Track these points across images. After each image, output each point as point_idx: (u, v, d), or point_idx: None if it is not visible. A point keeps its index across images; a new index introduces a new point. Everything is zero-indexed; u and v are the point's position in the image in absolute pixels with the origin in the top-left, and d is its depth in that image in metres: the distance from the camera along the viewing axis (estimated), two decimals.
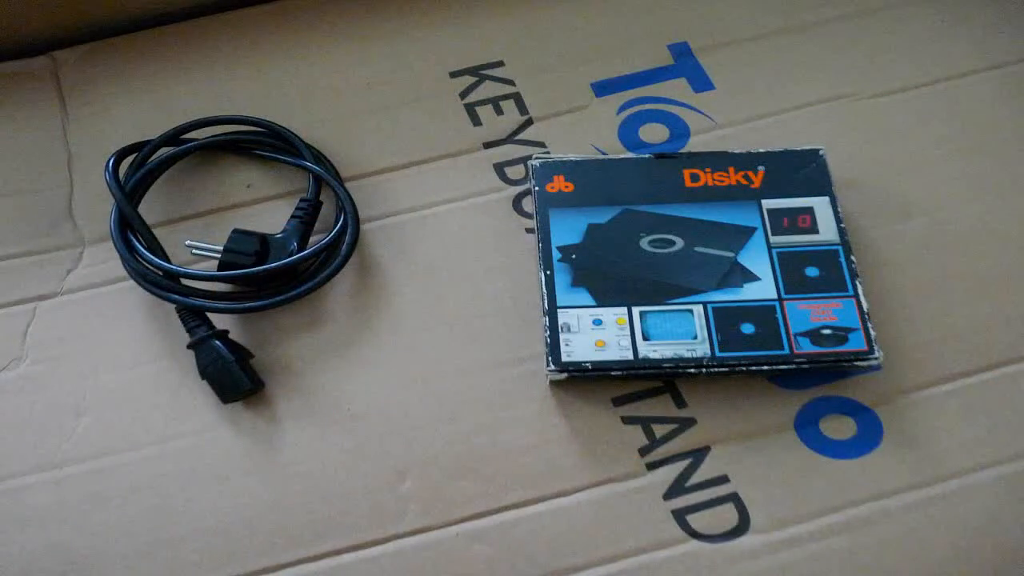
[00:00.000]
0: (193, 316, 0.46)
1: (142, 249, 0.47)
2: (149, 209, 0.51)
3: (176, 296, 0.46)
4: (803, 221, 0.48)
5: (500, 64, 0.56)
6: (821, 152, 0.49)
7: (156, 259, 0.47)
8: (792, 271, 0.46)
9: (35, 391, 0.46)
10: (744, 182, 0.49)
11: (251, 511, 0.43)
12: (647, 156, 0.50)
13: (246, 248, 0.47)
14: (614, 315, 0.45)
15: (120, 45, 0.57)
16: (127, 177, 0.50)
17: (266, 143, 0.52)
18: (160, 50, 0.57)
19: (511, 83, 0.55)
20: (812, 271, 0.46)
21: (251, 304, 0.46)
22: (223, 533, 0.43)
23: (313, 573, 0.42)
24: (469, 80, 0.55)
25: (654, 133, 0.53)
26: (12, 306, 0.49)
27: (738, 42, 0.56)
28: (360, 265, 0.50)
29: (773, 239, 0.47)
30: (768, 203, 0.48)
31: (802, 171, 0.49)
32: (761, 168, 0.49)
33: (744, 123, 0.53)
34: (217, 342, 0.45)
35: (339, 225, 0.48)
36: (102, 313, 0.48)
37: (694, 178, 0.49)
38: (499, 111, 0.54)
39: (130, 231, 0.48)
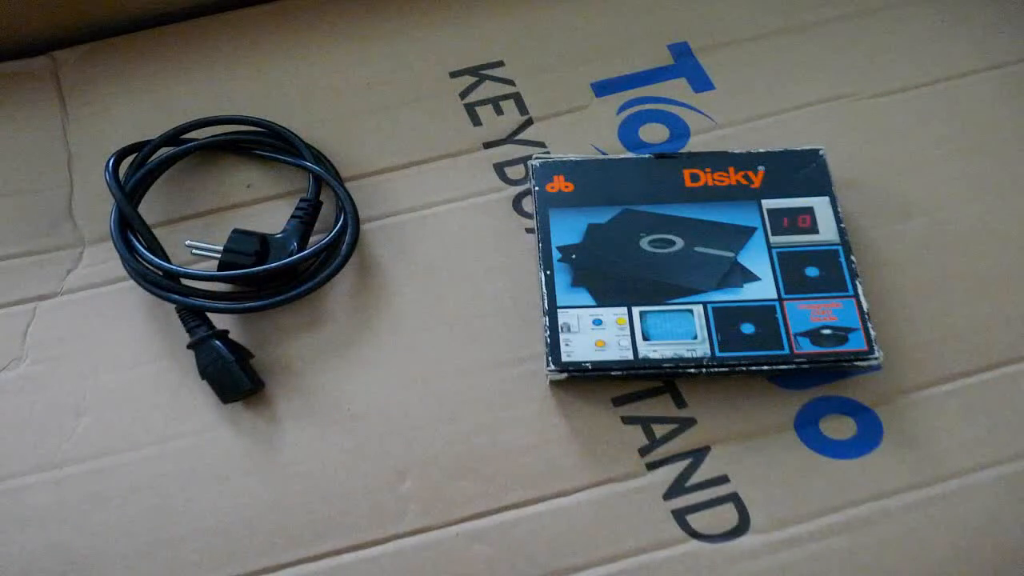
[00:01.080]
0: (193, 316, 0.46)
1: (142, 249, 0.47)
2: (149, 209, 0.51)
3: (176, 296, 0.46)
4: (803, 221, 0.48)
5: (500, 64, 0.56)
6: (821, 152, 0.49)
7: (156, 259, 0.47)
8: (792, 271, 0.46)
9: (35, 391, 0.46)
10: (744, 182, 0.49)
11: (251, 511, 0.43)
12: (647, 156, 0.50)
13: (246, 248, 0.47)
14: (614, 315, 0.45)
15: (120, 45, 0.57)
16: (127, 177, 0.50)
17: (266, 143, 0.52)
18: (160, 50, 0.57)
19: (511, 83, 0.55)
20: (812, 271, 0.46)
21: (251, 304, 0.46)
22: (223, 533, 0.43)
23: (313, 573, 0.42)
24: (469, 80, 0.55)
25: (654, 133, 0.53)
26: (12, 306, 0.49)
27: (738, 42, 0.56)
28: (360, 265, 0.50)
29: (773, 239, 0.47)
30: (768, 203, 0.48)
31: (802, 171, 0.49)
32: (761, 168, 0.49)
33: (744, 123, 0.53)
34: (217, 342, 0.45)
35: (339, 225, 0.48)
36: (102, 313, 0.48)
37: (694, 178, 0.49)
38: (499, 111, 0.54)
39: (130, 231, 0.48)
